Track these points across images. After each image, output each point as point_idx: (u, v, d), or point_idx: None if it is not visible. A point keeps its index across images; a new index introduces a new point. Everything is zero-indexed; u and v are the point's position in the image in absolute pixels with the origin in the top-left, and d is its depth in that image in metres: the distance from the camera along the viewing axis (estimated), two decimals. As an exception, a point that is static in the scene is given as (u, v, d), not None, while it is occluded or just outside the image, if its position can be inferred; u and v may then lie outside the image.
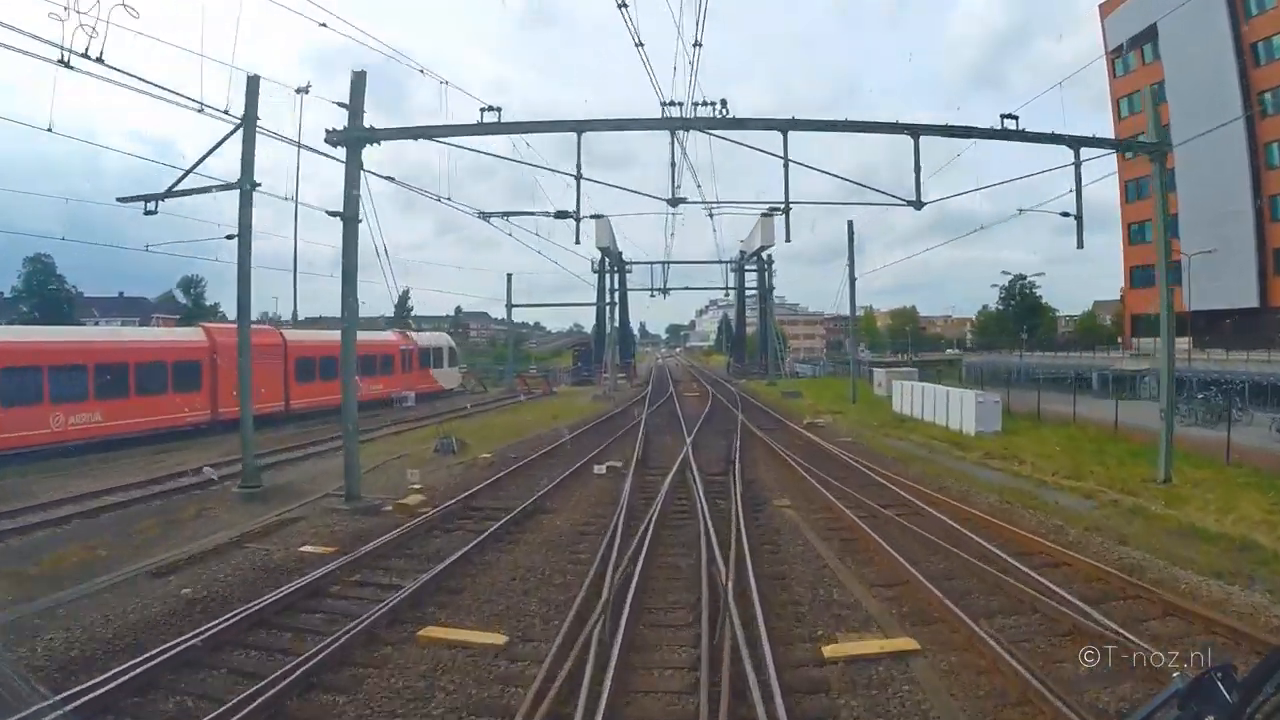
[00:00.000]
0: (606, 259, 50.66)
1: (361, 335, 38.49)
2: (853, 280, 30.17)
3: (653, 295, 50.71)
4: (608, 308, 47.83)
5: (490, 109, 12.63)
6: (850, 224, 30.93)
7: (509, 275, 46.56)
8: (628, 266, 52.17)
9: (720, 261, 55.24)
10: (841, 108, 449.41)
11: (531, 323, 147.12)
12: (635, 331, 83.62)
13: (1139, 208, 55.19)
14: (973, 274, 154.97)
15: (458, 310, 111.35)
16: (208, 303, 67.27)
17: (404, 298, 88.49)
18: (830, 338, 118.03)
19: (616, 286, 52.04)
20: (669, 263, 49.66)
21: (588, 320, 56.04)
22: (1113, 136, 55.97)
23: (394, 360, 34.60)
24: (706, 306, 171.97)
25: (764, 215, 52.67)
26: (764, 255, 53.99)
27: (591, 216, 14.39)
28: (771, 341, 50.65)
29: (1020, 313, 60.82)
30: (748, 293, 59.89)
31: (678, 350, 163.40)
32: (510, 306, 46.03)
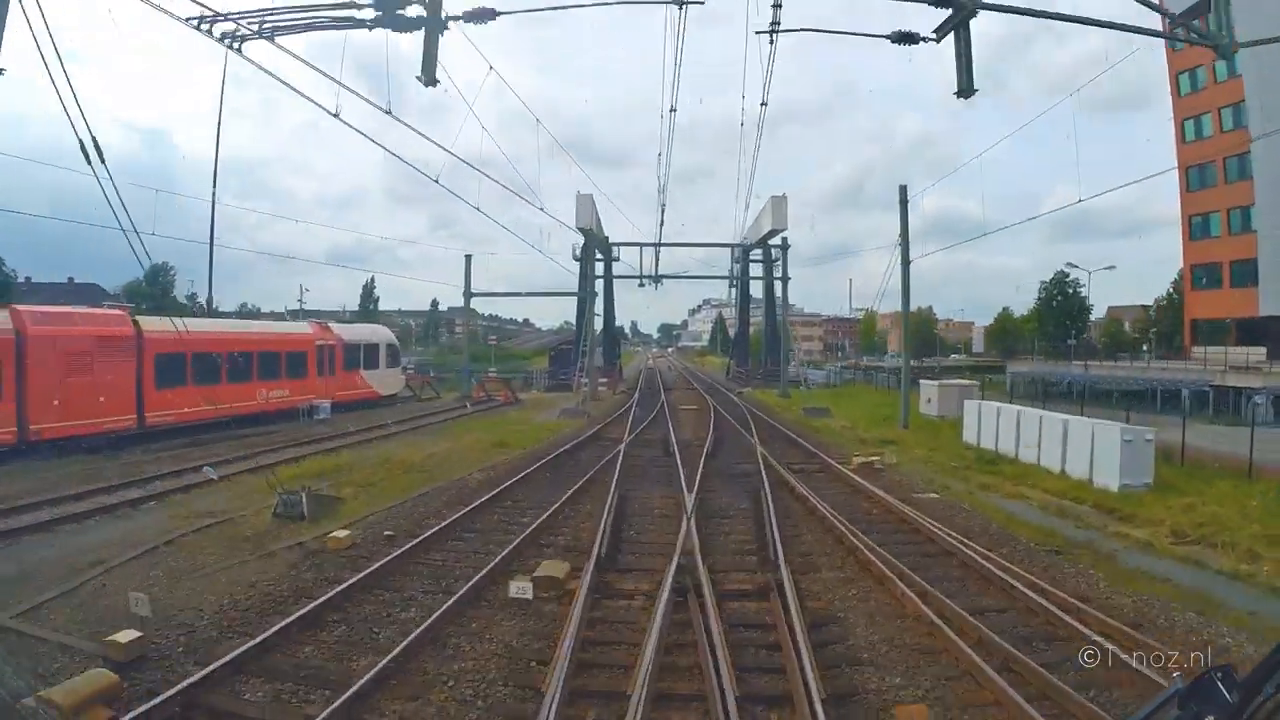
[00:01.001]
0: (589, 244, 43.11)
1: (264, 326, 31.49)
2: (906, 263, 22.75)
3: (642, 284, 43.13)
4: (589, 299, 40.24)
5: None
6: (903, 189, 23.56)
7: (468, 257, 38.61)
8: (614, 253, 44.57)
9: (724, 244, 47.68)
10: (837, 109, 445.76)
11: (520, 319, 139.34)
12: (626, 330, 76.19)
13: (1202, 197, 48.12)
14: (968, 278, 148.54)
15: (434, 304, 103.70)
16: (179, 293, 59.16)
17: (369, 288, 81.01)
18: (828, 340, 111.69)
19: (601, 275, 44.41)
20: (661, 245, 42.06)
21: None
22: (1172, 124, 49.83)
23: (306, 359, 27.02)
24: (700, 305, 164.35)
25: (774, 197, 45.76)
26: (772, 243, 46.47)
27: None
28: (784, 344, 43.05)
29: (1061, 314, 53.56)
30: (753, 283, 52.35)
31: (670, 350, 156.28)
32: (469, 295, 38.01)
